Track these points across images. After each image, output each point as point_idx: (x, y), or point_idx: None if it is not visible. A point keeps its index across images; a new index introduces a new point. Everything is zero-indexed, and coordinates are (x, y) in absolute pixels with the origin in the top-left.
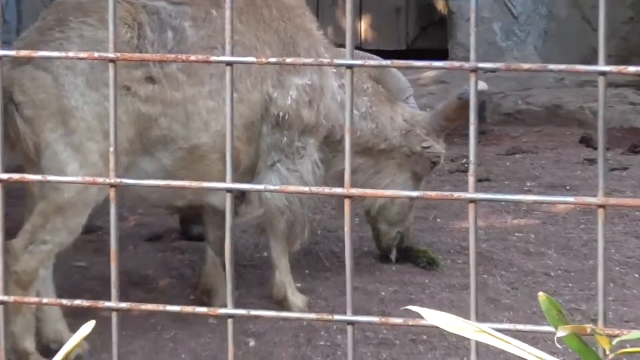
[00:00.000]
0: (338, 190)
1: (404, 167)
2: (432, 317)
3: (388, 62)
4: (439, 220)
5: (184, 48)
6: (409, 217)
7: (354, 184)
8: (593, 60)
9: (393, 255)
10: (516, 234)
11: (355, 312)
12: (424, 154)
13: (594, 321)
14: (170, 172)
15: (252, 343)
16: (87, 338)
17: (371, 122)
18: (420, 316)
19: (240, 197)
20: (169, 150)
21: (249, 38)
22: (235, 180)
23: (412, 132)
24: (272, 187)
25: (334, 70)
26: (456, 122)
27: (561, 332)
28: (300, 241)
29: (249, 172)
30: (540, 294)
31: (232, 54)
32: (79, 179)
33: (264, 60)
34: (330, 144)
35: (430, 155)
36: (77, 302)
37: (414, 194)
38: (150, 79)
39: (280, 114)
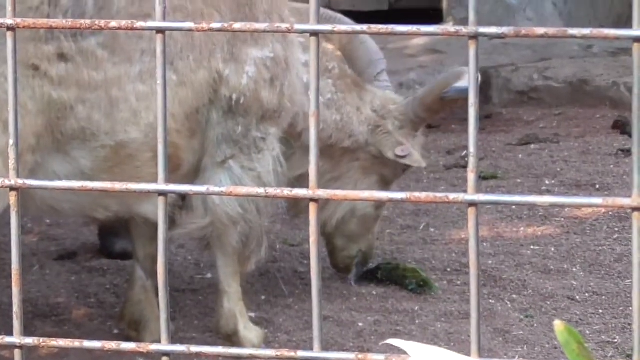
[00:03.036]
0: (301, 191)
1: (370, 170)
2: (421, 353)
3: (364, 27)
4: (432, 230)
5: (107, 15)
6: (373, 231)
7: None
8: (629, 22)
9: (353, 276)
10: (531, 247)
11: (325, 348)
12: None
13: (630, 357)
14: (90, 176)
15: None
16: None
17: (336, 112)
18: (406, 353)
19: (181, 204)
20: (88, 149)
21: (192, 0)
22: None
23: (382, 129)
24: (216, 189)
25: (302, 40)
26: (439, 113)
27: None
28: (255, 259)
29: (194, 173)
30: (557, 322)
31: (165, 18)
32: None
33: (204, 26)
34: (289, 138)
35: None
36: None
37: (399, 195)
38: (62, 57)
39: (234, 96)
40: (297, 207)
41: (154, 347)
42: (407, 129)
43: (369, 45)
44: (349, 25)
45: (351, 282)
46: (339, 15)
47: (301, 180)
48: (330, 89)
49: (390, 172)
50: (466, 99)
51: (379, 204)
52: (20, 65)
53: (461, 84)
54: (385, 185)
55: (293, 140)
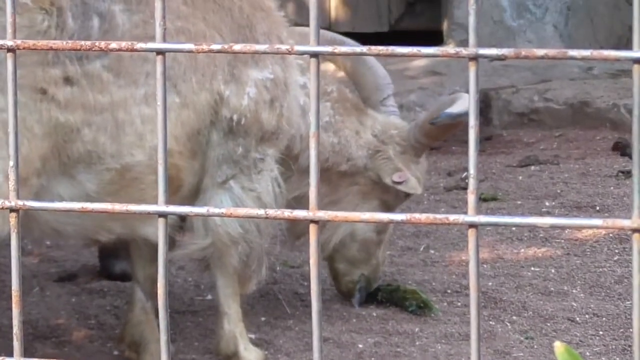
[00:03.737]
0: (302, 213)
1: (369, 195)
2: None
3: (364, 48)
4: (432, 251)
5: (112, 38)
6: (377, 256)
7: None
8: (629, 44)
9: (356, 301)
10: (532, 269)
11: None
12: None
13: None
14: (95, 199)
15: None
16: None
17: (333, 135)
18: None
19: (181, 225)
20: (93, 172)
21: (194, 22)
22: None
23: (382, 154)
24: (217, 210)
25: (300, 62)
26: (440, 139)
27: None
28: (256, 280)
29: (194, 193)
30: (557, 343)
31: (165, 40)
32: None
33: (204, 47)
34: (287, 160)
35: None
36: None
37: (399, 216)
38: (68, 80)
39: (235, 117)
40: (295, 231)
41: None
42: (409, 155)
43: (377, 69)
44: (349, 47)
45: (355, 306)
46: (344, 38)
47: (298, 202)
48: (328, 112)
49: (391, 198)
50: (463, 122)
51: (381, 228)
52: (28, 89)
53: (452, 109)
54: (386, 210)
55: (291, 162)
